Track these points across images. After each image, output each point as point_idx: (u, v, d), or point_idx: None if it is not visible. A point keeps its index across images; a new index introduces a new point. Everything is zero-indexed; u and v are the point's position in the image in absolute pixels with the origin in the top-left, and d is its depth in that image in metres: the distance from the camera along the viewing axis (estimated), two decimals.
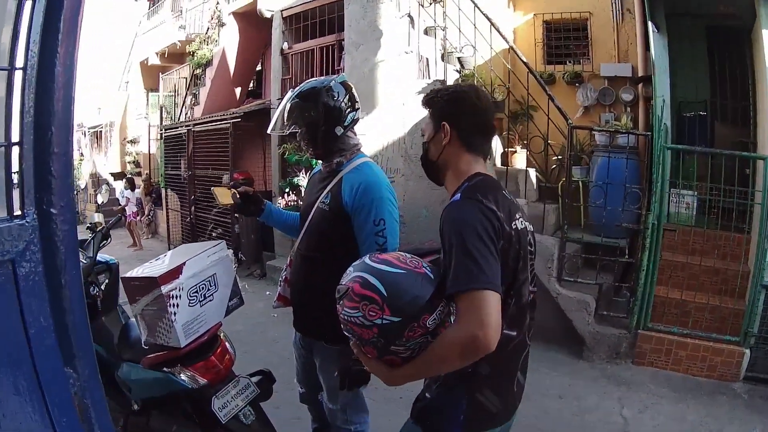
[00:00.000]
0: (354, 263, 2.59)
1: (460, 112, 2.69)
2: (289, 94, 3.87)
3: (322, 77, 3.96)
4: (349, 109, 3.79)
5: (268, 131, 4.31)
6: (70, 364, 1.63)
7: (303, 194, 4.41)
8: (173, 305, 3.88)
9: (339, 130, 3.75)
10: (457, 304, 2.30)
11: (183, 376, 4.27)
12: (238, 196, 4.20)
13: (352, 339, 2.52)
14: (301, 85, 3.88)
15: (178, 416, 4.64)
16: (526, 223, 2.70)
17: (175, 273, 3.92)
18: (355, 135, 3.95)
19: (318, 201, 3.83)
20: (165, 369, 4.35)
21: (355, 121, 3.86)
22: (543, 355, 7.24)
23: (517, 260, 2.53)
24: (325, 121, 3.71)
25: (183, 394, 4.37)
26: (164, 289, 3.82)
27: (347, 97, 3.79)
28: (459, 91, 2.75)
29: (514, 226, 2.53)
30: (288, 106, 3.81)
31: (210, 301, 4.18)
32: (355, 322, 2.40)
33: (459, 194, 2.55)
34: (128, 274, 4.15)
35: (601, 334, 7.27)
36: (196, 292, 4.05)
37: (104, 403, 1.90)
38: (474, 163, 2.72)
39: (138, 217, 20.10)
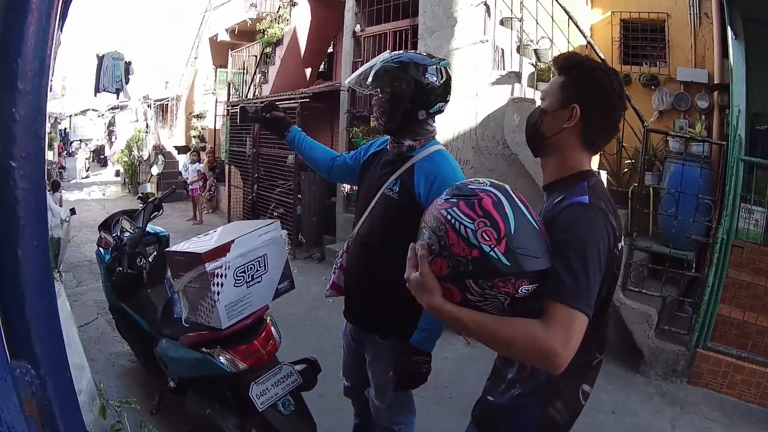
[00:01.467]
0: (488, 180, 2.28)
1: (596, 102, 2.40)
2: (386, 54, 3.67)
3: (426, 54, 3.70)
4: (440, 97, 3.58)
5: (346, 82, 4.18)
6: (23, 357, 1.37)
7: (360, 170, 4.04)
8: (217, 284, 3.75)
9: (422, 114, 3.56)
10: (551, 309, 2.11)
11: (222, 359, 4.16)
12: (267, 116, 4.14)
13: (430, 240, 2.15)
14: (404, 52, 3.68)
15: (214, 399, 4.53)
16: (622, 242, 2.50)
17: (222, 251, 3.78)
18: (434, 123, 3.76)
19: (384, 186, 3.67)
20: (204, 350, 4.25)
21: (440, 111, 3.64)
22: (601, 367, 6.94)
23: (613, 283, 2.41)
24: (412, 99, 3.50)
25: (221, 377, 4.27)
26: (208, 266, 3.69)
27: (444, 84, 3.58)
28: (603, 78, 2.41)
29: (620, 248, 2.40)
30: (380, 66, 3.55)
31: (258, 282, 4.02)
32: (457, 229, 2.08)
33: (586, 196, 2.31)
34: (173, 248, 4.08)
35: (660, 349, 6.99)
36: (244, 272, 3.91)
37: (76, 404, 1.63)
38: (586, 158, 2.51)
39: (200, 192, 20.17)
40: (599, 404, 6.19)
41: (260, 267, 4.01)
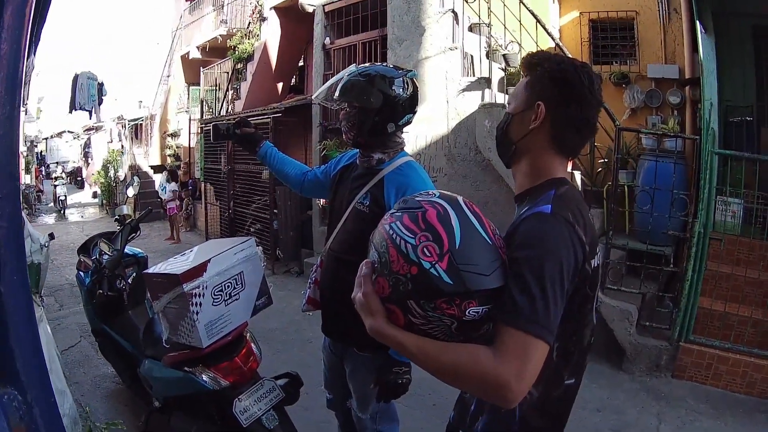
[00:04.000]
0: (439, 191, 2.10)
1: (563, 98, 2.17)
2: (352, 68, 3.65)
3: (393, 66, 3.71)
4: (408, 109, 3.61)
5: (313, 98, 4.19)
6: (10, 384, 1.39)
7: (331, 184, 4.04)
8: (196, 304, 3.75)
9: (391, 127, 3.57)
10: (504, 336, 1.86)
11: (204, 377, 4.18)
12: (238, 132, 4.16)
13: (373, 258, 2.02)
14: (370, 65, 3.66)
15: (199, 416, 4.53)
16: (600, 259, 2.32)
17: (198, 270, 3.77)
18: (402, 135, 3.78)
19: (355, 200, 3.66)
20: (186, 368, 4.26)
21: (408, 123, 3.67)
22: None
23: (585, 302, 2.14)
24: (380, 112, 3.50)
25: (204, 394, 4.27)
26: (186, 287, 3.68)
27: (411, 95, 3.60)
28: (570, 71, 2.18)
29: (593, 265, 2.14)
30: (347, 80, 3.54)
31: (236, 300, 4.03)
32: (398, 244, 1.90)
33: (549, 205, 2.05)
34: (150, 270, 4.07)
35: (642, 345, 7.04)
36: (221, 290, 3.91)
37: (61, 427, 1.64)
38: (558, 164, 2.26)
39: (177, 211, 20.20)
40: (583, 402, 6.19)
41: (237, 284, 4.02)
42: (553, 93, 2.18)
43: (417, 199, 2.03)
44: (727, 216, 7.60)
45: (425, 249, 1.86)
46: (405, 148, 3.79)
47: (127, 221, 6.16)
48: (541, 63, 2.26)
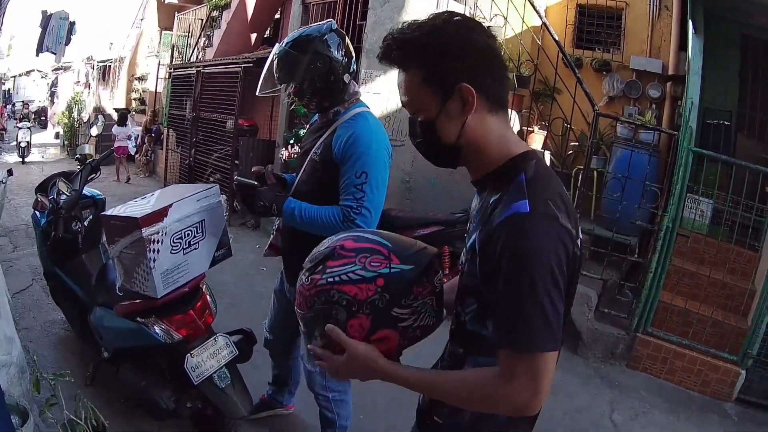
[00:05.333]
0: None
1: (476, 63, 1.89)
2: (277, 48, 3.73)
3: (309, 26, 3.76)
4: (350, 55, 3.71)
5: (258, 93, 4.07)
6: None
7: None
8: (154, 251, 3.61)
9: (347, 78, 3.68)
10: (510, 360, 1.78)
11: (157, 329, 4.04)
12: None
13: (329, 319, 1.97)
14: (292, 37, 3.71)
15: (148, 370, 4.39)
16: (581, 237, 2.04)
17: (159, 215, 3.63)
18: (355, 83, 3.84)
19: (311, 151, 3.75)
20: (139, 319, 4.11)
21: (354, 68, 3.76)
22: None
23: (573, 284, 1.95)
24: (332, 72, 3.60)
25: (156, 348, 4.14)
26: (145, 231, 3.54)
27: (345, 43, 3.70)
28: (464, 34, 1.89)
29: (579, 245, 1.96)
30: (285, 61, 3.65)
31: (195, 249, 3.90)
32: (347, 279, 1.91)
33: (526, 201, 1.79)
34: (109, 212, 3.90)
35: (600, 332, 7.03)
36: (181, 238, 3.77)
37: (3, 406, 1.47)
38: (505, 127, 1.99)
39: (137, 155, 20.59)
40: None
41: (198, 233, 3.89)
42: (461, 66, 1.88)
43: (321, 249, 2.08)
44: (696, 214, 7.62)
45: (371, 262, 1.96)
46: (374, 110, 3.83)
47: (88, 161, 5.94)
48: (423, 41, 1.89)
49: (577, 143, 9.17)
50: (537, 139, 9.24)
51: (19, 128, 24.63)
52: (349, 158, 3.45)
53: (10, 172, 5.82)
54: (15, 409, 3.82)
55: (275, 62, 3.68)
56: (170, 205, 3.66)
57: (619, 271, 7.69)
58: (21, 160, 23.28)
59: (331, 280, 1.94)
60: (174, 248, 3.72)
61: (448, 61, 1.87)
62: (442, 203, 8.19)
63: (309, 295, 1.99)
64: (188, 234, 3.80)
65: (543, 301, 1.72)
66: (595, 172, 8.37)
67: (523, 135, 9.16)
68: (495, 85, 1.92)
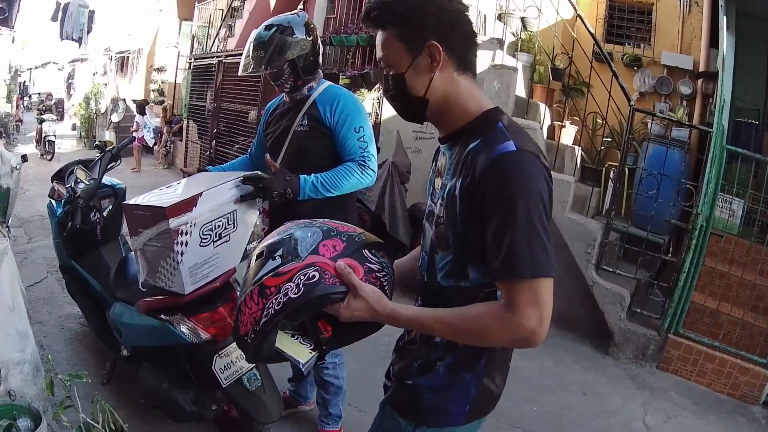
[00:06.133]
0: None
1: (445, 23, 2.01)
2: (261, 32, 4.00)
3: (279, 16, 4.13)
4: (318, 38, 4.13)
5: (240, 73, 4.25)
6: None
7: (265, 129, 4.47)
8: (181, 243, 3.34)
9: (319, 58, 4.12)
10: (512, 291, 1.86)
11: (183, 328, 3.82)
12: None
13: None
14: (276, 21, 4.04)
15: (171, 371, 4.19)
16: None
17: (188, 205, 3.36)
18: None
19: (294, 125, 4.07)
20: (163, 316, 3.90)
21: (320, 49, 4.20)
22: (569, 345, 7.07)
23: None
24: (312, 51, 4.01)
25: (180, 347, 3.95)
26: (173, 222, 3.27)
27: (312, 26, 4.11)
28: None
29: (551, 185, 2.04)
30: (268, 43, 3.92)
31: (226, 242, 3.64)
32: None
33: (510, 141, 1.91)
34: (132, 201, 3.61)
35: (631, 332, 6.88)
36: (211, 230, 3.51)
37: None
38: (475, 87, 2.12)
39: (155, 146, 20.43)
40: (567, 383, 6.15)
41: (229, 225, 3.63)
42: (431, 25, 2.01)
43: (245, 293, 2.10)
44: (727, 214, 7.48)
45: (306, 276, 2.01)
46: None
47: (108, 148, 5.62)
48: (396, 6, 2.05)
49: (609, 139, 9.05)
50: (568, 134, 9.11)
51: (43, 120, 22.45)
52: (345, 119, 3.90)
53: (24, 158, 5.65)
54: (27, 412, 3.71)
55: (261, 45, 3.93)
56: (200, 194, 3.40)
57: (652, 270, 7.52)
58: (46, 156, 21.40)
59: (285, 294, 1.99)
60: (203, 241, 3.45)
61: (419, 20, 2.00)
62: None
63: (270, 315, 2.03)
64: (219, 225, 3.53)
65: (539, 230, 1.84)
66: (626, 169, 8.18)
67: (553, 130, 9.10)
68: (463, 47, 2.07)
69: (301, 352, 2.14)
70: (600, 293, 7.01)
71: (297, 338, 2.17)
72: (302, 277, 1.98)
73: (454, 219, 2.02)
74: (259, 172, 3.69)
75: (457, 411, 2.19)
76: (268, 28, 3.94)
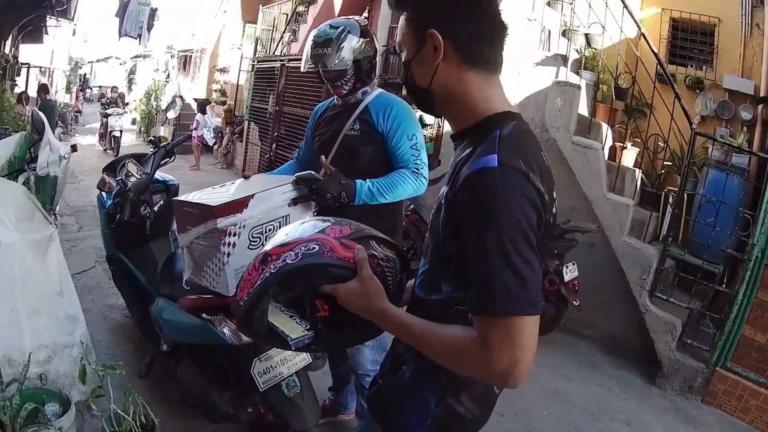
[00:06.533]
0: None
1: (452, 14, 1.91)
2: (329, 29, 4.00)
3: (341, 19, 4.17)
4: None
5: (302, 69, 4.26)
6: None
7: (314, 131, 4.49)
8: (228, 244, 3.26)
9: (375, 63, 4.11)
10: (484, 327, 1.70)
11: (224, 329, 3.79)
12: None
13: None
14: (338, 23, 4.05)
15: (209, 370, 4.17)
16: (556, 208, 1.99)
17: (238, 206, 3.29)
18: None
19: (344, 129, 4.06)
20: (204, 316, 3.87)
21: None
22: (618, 372, 6.93)
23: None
24: (374, 54, 4.06)
25: (220, 348, 3.91)
26: (221, 223, 3.20)
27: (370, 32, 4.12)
28: None
29: (553, 212, 1.93)
30: (335, 42, 3.92)
31: None
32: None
33: (495, 155, 1.74)
34: (182, 197, 3.58)
35: (680, 363, 6.68)
36: (261, 233, 3.40)
37: None
38: (489, 86, 1.96)
39: (215, 146, 20.91)
40: (612, 412, 6.03)
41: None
42: (437, 13, 1.92)
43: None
44: None
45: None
46: None
47: (162, 144, 5.62)
48: None
49: (670, 162, 8.86)
50: (629, 156, 8.95)
51: (108, 114, 21.51)
52: (398, 126, 3.90)
53: (74, 148, 5.67)
54: (57, 397, 3.73)
55: (326, 43, 3.93)
56: (251, 196, 3.34)
57: (705, 299, 7.30)
58: (111, 152, 19.78)
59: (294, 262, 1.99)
60: (252, 244, 3.36)
61: (428, 7, 1.93)
62: None
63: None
64: (269, 229, 3.44)
65: (515, 260, 1.66)
66: (685, 195, 7.99)
67: (614, 151, 8.95)
68: (476, 41, 1.92)
69: (293, 329, 2.07)
70: (652, 321, 6.84)
71: (294, 319, 2.12)
72: (303, 248, 1.98)
73: (436, 228, 1.95)
74: (313, 173, 3.66)
75: (418, 423, 2.06)
76: (333, 27, 3.97)
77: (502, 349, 1.65)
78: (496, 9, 1.95)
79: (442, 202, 1.92)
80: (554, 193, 1.94)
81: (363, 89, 4.06)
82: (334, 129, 4.13)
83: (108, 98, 23.81)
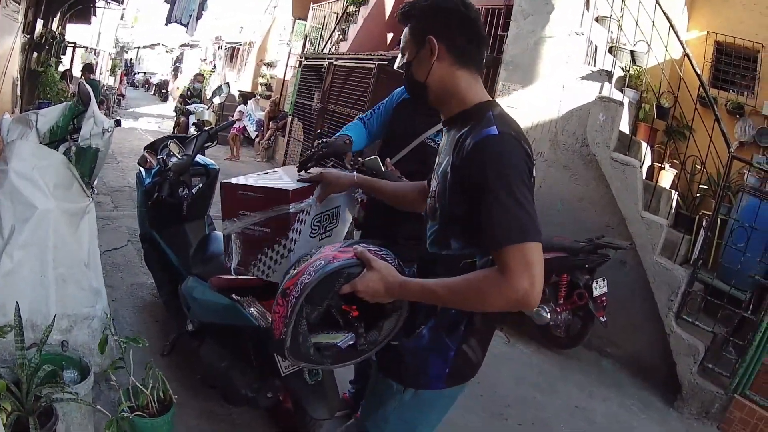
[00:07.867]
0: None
1: (446, 23, 2.45)
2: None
3: None
4: None
5: (395, 67, 4.06)
6: None
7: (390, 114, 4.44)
8: (296, 231, 3.06)
9: None
10: (503, 257, 2.11)
11: (252, 310, 3.82)
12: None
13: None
14: None
15: (233, 351, 4.21)
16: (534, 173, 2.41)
17: (306, 192, 3.08)
18: None
19: (425, 136, 4.09)
20: (234, 296, 3.89)
21: None
22: (640, 393, 6.89)
23: None
24: None
25: (247, 329, 3.91)
26: (293, 207, 2.99)
27: None
28: (450, 4, 2.45)
29: (533, 175, 2.32)
30: None
31: (328, 236, 3.36)
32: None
33: (494, 126, 2.25)
34: (235, 180, 3.23)
35: (700, 387, 6.64)
36: (320, 222, 3.24)
37: None
38: (474, 83, 2.50)
39: (257, 138, 20.82)
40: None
41: (333, 219, 3.39)
42: (435, 23, 2.44)
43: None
44: None
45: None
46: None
47: (206, 128, 5.70)
48: (414, 5, 2.51)
49: (706, 186, 8.81)
50: (667, 177, 8.87)
51: (190, 112, 19.70)
52: None
53: (117, 123, 5.71)
54: (76, 364, 3.82)
55: None
56: (317, 183, 3.13)
57: (730, 325, 7.24)
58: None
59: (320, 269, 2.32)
60: (313, 231, 3.19)
61: (425, 19, 2.47)
62: (568, 229, 7.93)
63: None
64: (326, 218, 3.30)
65: (520, 198, 2.12)
66: (718, 219, 7.95)
67: (653, 171, 8.92)
68: (466, 46, 2.46)
69: (336, 337, 2.41)
70: (676, 343, 6.82)
71: (330, 333, 2.42)
72: (312, 268, 2.30)
73: (443, 193, 2.37)
74: (378, 159, 3.81)
75: (437, 374, 2.46)
76: None
77: (522, 271, 2.06)
78: (480, 24, 2.51)
79: (448, 170, 2.34)
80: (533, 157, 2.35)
81: None
82: (413, 130, 4.14)
83: (190, 89, 22.16)
